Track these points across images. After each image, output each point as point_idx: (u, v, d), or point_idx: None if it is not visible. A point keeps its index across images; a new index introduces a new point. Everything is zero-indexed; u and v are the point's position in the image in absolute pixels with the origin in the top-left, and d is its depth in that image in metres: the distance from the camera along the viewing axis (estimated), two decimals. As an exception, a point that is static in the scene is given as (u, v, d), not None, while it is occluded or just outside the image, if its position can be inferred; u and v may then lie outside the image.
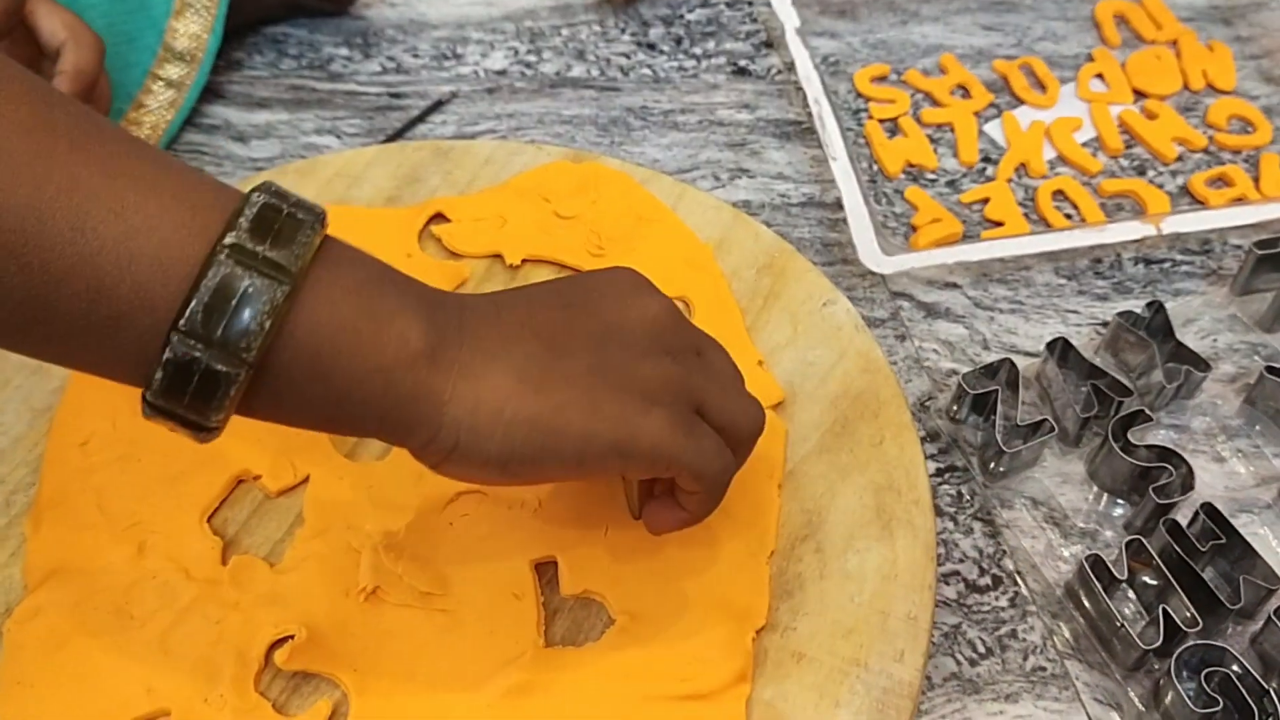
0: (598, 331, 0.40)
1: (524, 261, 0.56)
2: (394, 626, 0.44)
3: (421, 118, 0.68)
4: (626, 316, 0.40)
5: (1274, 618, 0.45)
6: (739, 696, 0.42)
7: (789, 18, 0.70)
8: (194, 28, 0.67)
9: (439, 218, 0.58)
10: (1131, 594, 0.48)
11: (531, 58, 0.72)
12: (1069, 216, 0.62)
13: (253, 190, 0.35)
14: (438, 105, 0.69)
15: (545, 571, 0.46)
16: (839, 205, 0.62)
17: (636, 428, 0.38)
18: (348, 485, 0.48)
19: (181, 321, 0.33)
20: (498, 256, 0.57)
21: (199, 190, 0.35)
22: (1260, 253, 0.56)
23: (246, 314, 0.33)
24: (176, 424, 0.35)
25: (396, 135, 0.67)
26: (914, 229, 0.62)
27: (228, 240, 0.33)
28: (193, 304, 0.33)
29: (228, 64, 0.71)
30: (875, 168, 0.66)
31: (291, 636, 0.44)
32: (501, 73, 0.71)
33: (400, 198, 0.59)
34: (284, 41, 0.73)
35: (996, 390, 0.52)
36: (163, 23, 0.67)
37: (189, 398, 0.34)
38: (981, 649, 0.47)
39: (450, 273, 0.55)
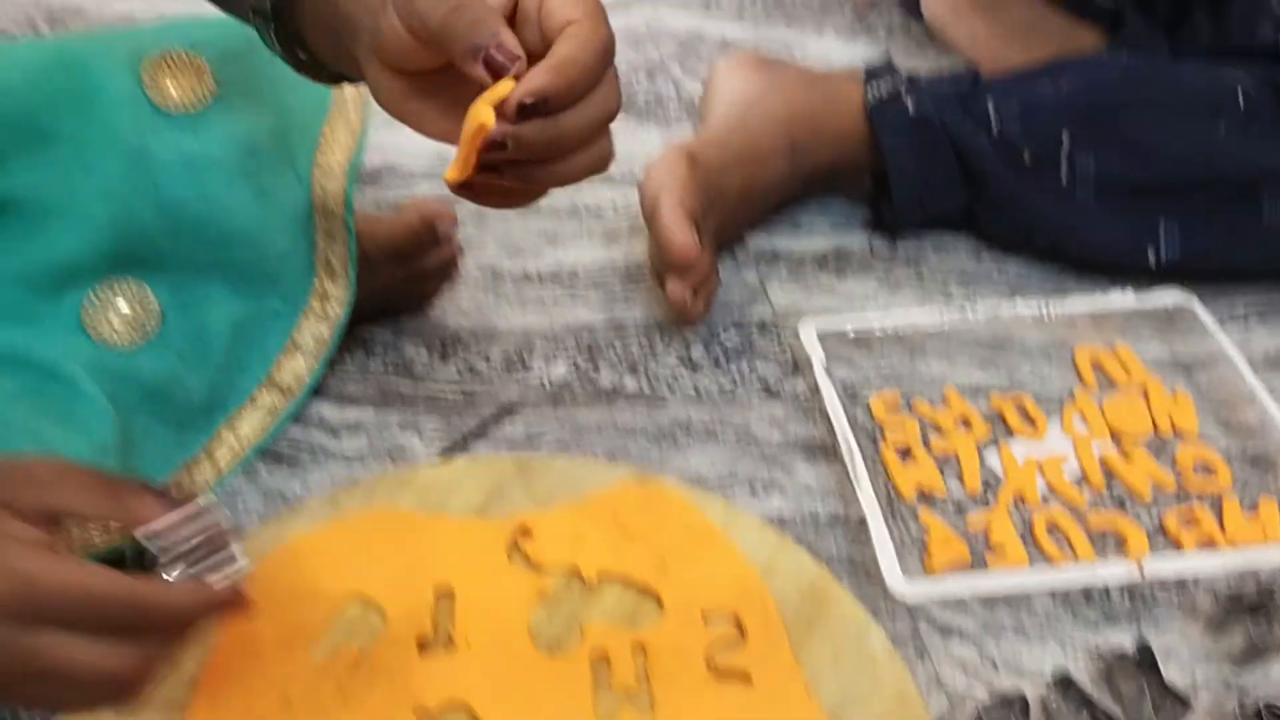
0: None
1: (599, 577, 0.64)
2: None
3: (494, 422, 0.77)
4: None
5: None
6: None
7: (815, 351, 0.80)
8: (300, 368, 0.75)
9: (523, 530, 0.66)
10: None
11: (589, 368, 0.82)
12: (1060, 547, 0.71)
13: None
14: (506, 412, 0.78)
15: None
16: (862, 523, 0.71)
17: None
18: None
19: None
20: (575, 570, 0.64)
21: None
22: (1228, 600, 0.65)
23: None
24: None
25: (470, 438, 0.76)
26: (926, 549, 0.71)
27: None
28: None
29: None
30: (891, 489, 0.75)
31: None
32: (564, 384, 0.81)
33: (488, 509, 0.68)
34: (370, 341, 0.82)
35: (1010, 720, 0.60)
36: (273, 357, 0.74)
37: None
38: None
39: (534, 585, 0.63)
